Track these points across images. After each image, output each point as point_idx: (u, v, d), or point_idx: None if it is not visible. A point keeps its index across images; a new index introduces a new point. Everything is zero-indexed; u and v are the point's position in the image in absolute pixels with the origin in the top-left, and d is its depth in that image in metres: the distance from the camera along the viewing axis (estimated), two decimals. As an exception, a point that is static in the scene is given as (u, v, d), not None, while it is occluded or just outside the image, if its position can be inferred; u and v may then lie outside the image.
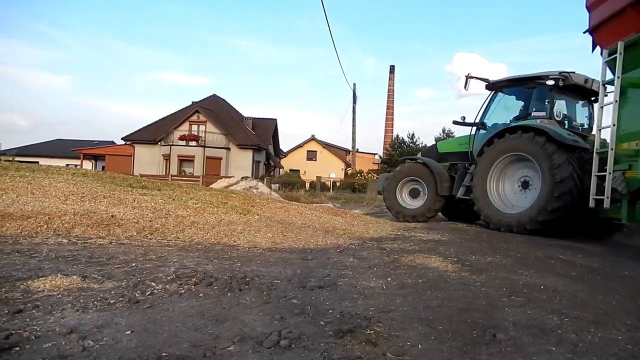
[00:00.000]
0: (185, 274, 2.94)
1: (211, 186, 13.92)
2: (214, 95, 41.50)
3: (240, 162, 34.93)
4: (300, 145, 55.98)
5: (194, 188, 8.66)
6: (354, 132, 47.12)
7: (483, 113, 8.70)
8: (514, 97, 8.55)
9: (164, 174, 32.19)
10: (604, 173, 5.47)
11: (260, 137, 38.09)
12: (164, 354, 1.69)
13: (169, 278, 2.82)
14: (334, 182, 38.47)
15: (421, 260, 3.89)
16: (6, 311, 2.06)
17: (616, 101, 5.37)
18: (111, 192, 6.22)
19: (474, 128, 8.75)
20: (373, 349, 1.84)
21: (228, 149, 35.42)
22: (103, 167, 37.53)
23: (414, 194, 9.35)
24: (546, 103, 7.75)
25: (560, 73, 7.57)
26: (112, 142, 43.96)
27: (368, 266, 3.61)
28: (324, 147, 54.91)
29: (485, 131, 8.59)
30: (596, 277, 3.73)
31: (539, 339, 2.03)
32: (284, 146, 52.91)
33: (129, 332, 1.89)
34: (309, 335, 1.95)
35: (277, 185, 30.59)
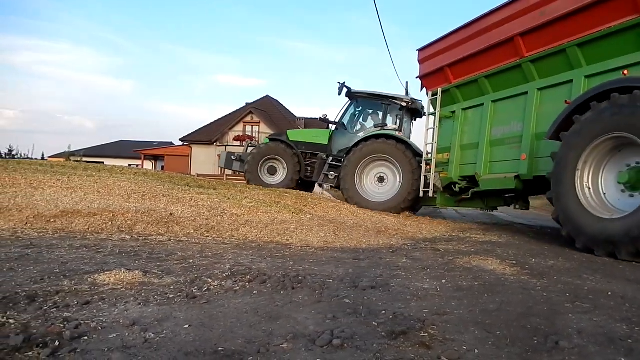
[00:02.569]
0: (240, 271, 3.01)
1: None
2: (267, 96, 42.25)
3: (293, 161, 35.32)
4: (352, 145, 55.77)
5: (248, 187, 8.85)
6: (406, 131, 46.41)
7: (342, 116, 10.40)
8: (369, 108, 10.46)
9: (219, 173, 33.13)
10: (428, 174, 8.39)
11: (312, 137, 38.30)
12: (220, 348, 1.74)
13: (224, 275, 2.89)
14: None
15: (477, 262, 3.78)
16: (76, 302, 2.19)
17: (436, 127, 8.33)
18: (170, 191, 6.47)
19: (334, 126, 10.45)
20: (427, 351, 1.80)
21: (281, 149, 35.87)
22: (162, 167, 39.17)
23: (272, 171, 10.70)
24: (397, 118, 10.10)
25: (411, 98, 10.09)
26: (171, 143, 45.77)
27: (421, 267, 3.55)
28: (375, 147, 54.37)
29: (341, 131, 10.31)
30: (671, 284, 3.47)
31: (607, 348, 1.91)
32: (336, 146, 52.87)
33: (187, 326, 1.96)
34: (361, 335, 1.94)
35: (329, 185, 30.61)
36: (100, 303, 2.22)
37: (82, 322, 1.92)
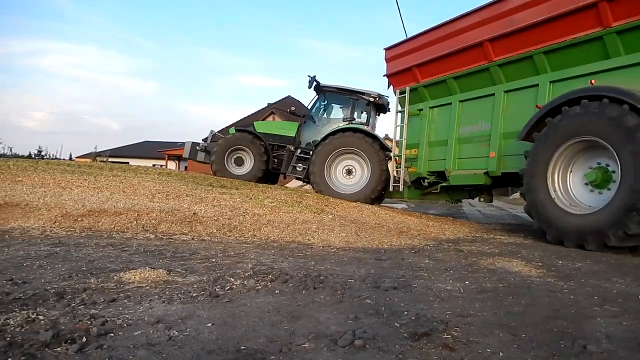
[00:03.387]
0: (262, 270, 3.03)
1: (286, 185, 14.21)
2: (289, 97, 42.32)
3: (314, 161, 35.30)
4: (373, 145, 55.46)
5: (269, 187, 8.89)
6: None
7: (310, 109, 10.63)
8: (337, 102, 10.68)
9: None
10: (398, 169, 8.75)
11: (333, 137, 38.23)
12: (242, 347, 1.75)
13: (246, 274, 2.92)
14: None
15: (502, 264, 3.72)
16: (102, 299, 2.24)
17: (405, 124, 8.61)
18: (193, 191, 6.55)
19: (302, 119, 10.65)
20: (450, 354, 1.78)
21: (302, 149, 35.93)
22: (185, 167, 39.65)
23: (239, 161, 10.67)
24: (364, 113, 10.41)
25: (378, 94, 10.30)
26: (194, 144, 46.17)
27: (444, 268, 3.51)
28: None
29: (310, 123, 10.51)
30: None
31: (637, 353, 1.85)
32: (357, 146, 52.71)
33: (210, 324, 1.98)
34: (383, 336, 1.93)
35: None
36: (125, 301, 2.26)
37: (109, 319, 1.96)
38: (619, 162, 4.59)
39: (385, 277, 3.07)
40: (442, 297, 2.60)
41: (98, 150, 42.97)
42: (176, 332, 1.86)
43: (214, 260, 3.38)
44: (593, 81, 5.26)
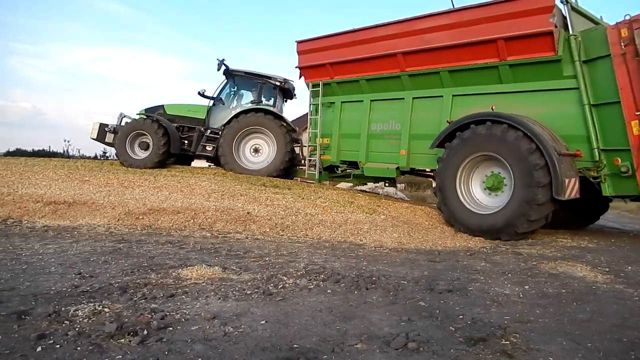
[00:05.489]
0: (314, 270, 3.04)
1: (337, 186, 14.22)
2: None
3: (365, 162, 35.07)
4: (426, 145, 54.52)
5: (321, 187, 8.94)
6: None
7: (220, 92, 10.80)
8: (245, 86, 11.01)
9: (293, 173, 33.67)
10: (312, 157, 9.31)
11: (385, 137, 37.90)
12: (295, 345, 1.76)
13: (299, 273, 2.94)
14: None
15: (564, 269, 3.53)
16: (162, 295, 2.33)
17: (319, 116, 9.11)
18: (247, 191, 6.69)
19: (211, 101, 10.75)
20: (509, 361, 1.71)
21: (353, 149, 35.82)
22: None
23: (144, 146, 10.51)
24: (271, 96, 10.77)
25: (284, 79, 10.70)
26: (248, 145, 47.25)
27: (502, 272, 3.38)
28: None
29: (219, 106, 10.72)
30: None
31: None
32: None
33: (263, 322, 2.01)
34: (437, 340, 1.88)
35: (403, 185, 30.13)
36: (183, 296, 2.35)
37: (168, 313, 2.04)
38: (512, 173, 5.64)
39: (440, 279, 3.00)
40: (500, 302, 2.51)
41: (157, 152, 44.77)
42: (231, 329, 1.90)
43: (267, 258, 3.43)
44: (494, 107, 6.25)
